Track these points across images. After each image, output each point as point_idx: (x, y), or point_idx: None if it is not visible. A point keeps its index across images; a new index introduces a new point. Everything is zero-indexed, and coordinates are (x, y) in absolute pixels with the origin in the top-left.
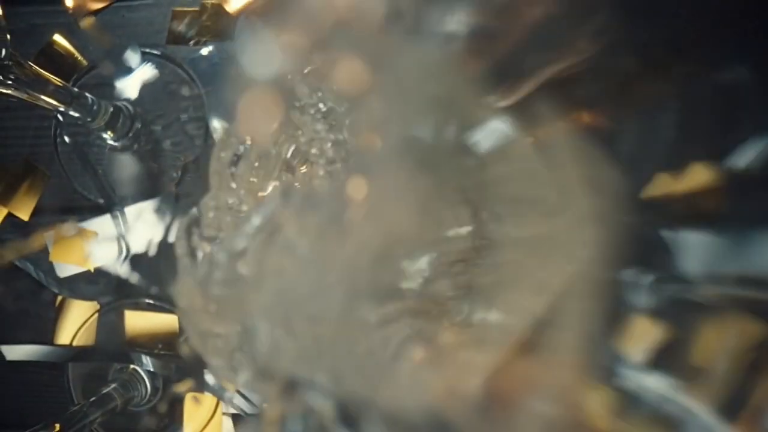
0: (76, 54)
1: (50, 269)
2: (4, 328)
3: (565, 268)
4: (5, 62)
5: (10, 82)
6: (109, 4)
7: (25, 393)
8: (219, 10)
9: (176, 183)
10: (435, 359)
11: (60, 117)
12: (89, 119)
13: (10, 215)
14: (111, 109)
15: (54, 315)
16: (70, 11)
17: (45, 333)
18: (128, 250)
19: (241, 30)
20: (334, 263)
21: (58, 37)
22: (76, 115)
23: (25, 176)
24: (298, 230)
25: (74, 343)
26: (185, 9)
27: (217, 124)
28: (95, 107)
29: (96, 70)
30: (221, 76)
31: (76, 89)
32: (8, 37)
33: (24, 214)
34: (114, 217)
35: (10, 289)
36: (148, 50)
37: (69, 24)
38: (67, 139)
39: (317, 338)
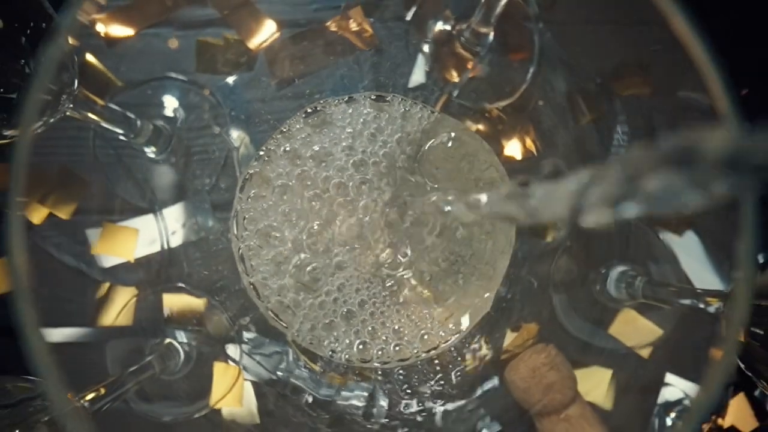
0: (109, 74)
1: (91, 261)
2: (45, 314)
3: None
4: (75, 92)
5: (72, 106)
6: (136, 33)
7: (70, 371)
8: (240, 44)
9: (209, 189)
10: None
11: (96, 129)
12: (132, 135)
13: (51, 215)
14: (151, 128)
15: (93, 300)
16: (102, 35)
17: (84, 317)
18: (166, 244)
19: None
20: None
21: (90, 57)
22: (119, 131)
23: (64, 181)
24: None
25: (114, 325)
26: (209, 40)
27: (236, 137)
28: (137, 125)
29: (131, 90)
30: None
31: (118, 108)
32: (77, 69)
33: (64, 214)
34: (155, 216)
35: (51, 279)
36: (176, 76)
37: (101, 46)
38: (111, 151)
39: None
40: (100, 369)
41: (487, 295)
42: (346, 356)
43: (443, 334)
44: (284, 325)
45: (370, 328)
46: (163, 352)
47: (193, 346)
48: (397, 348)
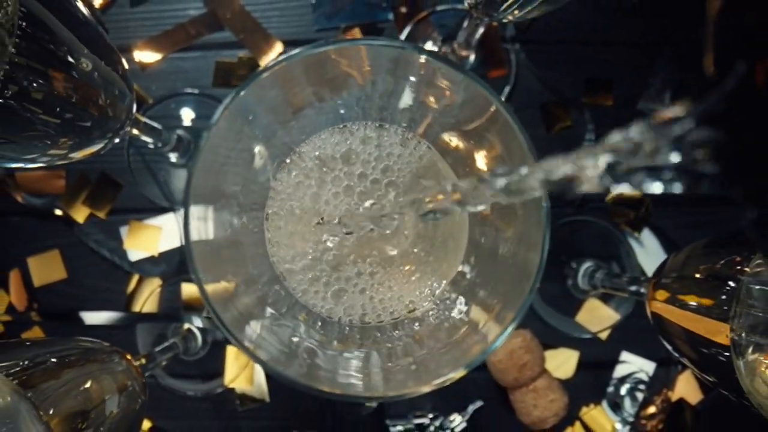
0: (142, 93)
1: (123, 255)
2: (84, 300)
3: None
4: (133, 116)
5: (129, 128)
6: (164, 57)
7: None
8: (252, 62)
9: (238, 192)
10: None
11: (131, 139)
12: (160, 144)
13: (92, 215)
14: (175, 137)
15: (125, 289)
16: (137, 61)
17: (117, 304)
18: (187, 239)
19: None
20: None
21: None
22: (149, 140)
23: (103, 185)
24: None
25: (142, 311)
26: (225, 60)
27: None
28: (165, 135)
29: (157, 105)
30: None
31: (155, 123)
32: (135, 95)
33: (102, 214)
34: (176, 215)
35: (90, 270)
36: (197, 91)
37: (136, 70)
38: (142, 158)
39: None
40: (134, 350)
41: (454, 268)
42: (350, 319)
43: (425, 294)
44: (304, 301)
45: (368, 297)
46: (184, 335)
47: (209, 331)
48: (391, 311)
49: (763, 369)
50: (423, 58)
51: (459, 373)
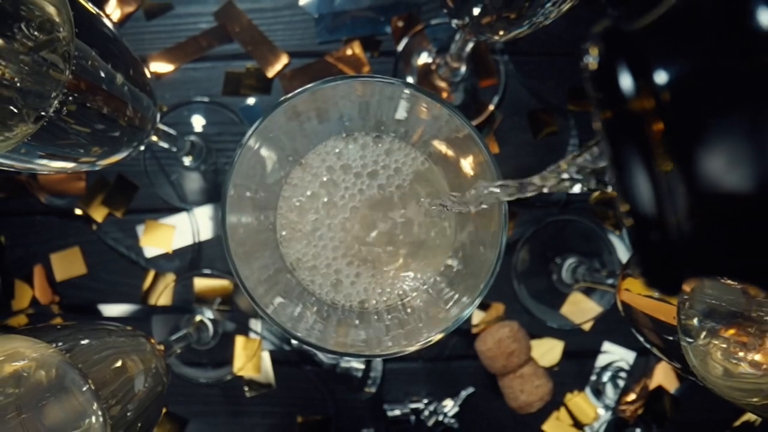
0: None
1: (139, 251)
2: (103, 293)
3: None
4: (156, 125)
5: (152, 136)
6: (177, 68)
7: None
8: (259, 72)
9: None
10: None
11: (147, 144)
12: (174, 149)
13: (110, 214)
14: (189, 142)
15: (141, 284)
16: (151, 70)
17: (134, 297)
18: (198, 237)
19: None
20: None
21: None
22: (166, 146)
23: (120, 186)
24: None
25: (157, 304)
26: (234, 71)
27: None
28: (180, 140)
29: (171, 112)
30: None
31: (171, 130)
32: (158, 107)
33: (119, 213)
34: (189, 214)
35: (109, 266)
36: (207, 99)
37: (151, 79)
38: (157, 162)
39: None
40: None
41: (441, 263)
42: (350, 305)
43: (415, 285)
44: (311, 289)
45: (362, 287)
46: (197, 326)
47: (219, 323)
48: (384, 298)
49: (715, 351)
50: (407, 91)
51: (437, 336)
